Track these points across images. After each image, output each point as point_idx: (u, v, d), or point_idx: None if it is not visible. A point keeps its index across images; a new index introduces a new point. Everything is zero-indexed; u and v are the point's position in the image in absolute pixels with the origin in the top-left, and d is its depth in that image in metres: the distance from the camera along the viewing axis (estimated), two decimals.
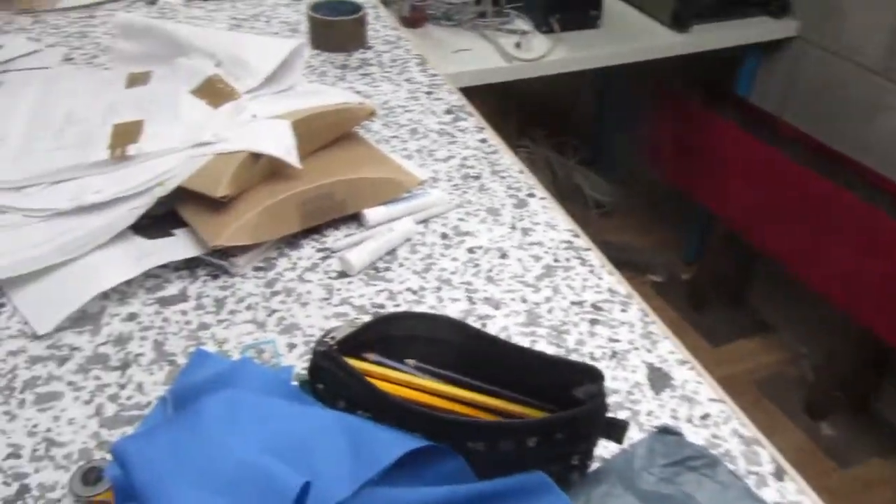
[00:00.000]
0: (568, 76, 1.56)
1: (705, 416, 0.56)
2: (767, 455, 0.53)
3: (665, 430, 0.53)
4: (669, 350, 0.61)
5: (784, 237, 1.67)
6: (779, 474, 0.52)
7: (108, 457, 0.51)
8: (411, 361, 0.51)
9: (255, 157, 0.69)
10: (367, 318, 0.63)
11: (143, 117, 0.74)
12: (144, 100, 0.77)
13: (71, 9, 1.13)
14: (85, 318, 0.62)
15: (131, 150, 0.69)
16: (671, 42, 1.60)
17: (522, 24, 1.59)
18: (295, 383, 0.51)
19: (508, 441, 0.45)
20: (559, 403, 0.48)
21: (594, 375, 0.46)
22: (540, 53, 1.50)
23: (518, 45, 1.52)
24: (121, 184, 0.67)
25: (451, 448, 0.45)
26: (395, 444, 0.44)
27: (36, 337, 0.60)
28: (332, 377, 0.47)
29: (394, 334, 0.50)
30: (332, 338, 0.48)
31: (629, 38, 1.59)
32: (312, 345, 0.58)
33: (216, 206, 0.67)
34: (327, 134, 0.76)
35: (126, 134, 0.72)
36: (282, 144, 0.69)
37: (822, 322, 1.72)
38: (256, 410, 0.43)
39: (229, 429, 0.40)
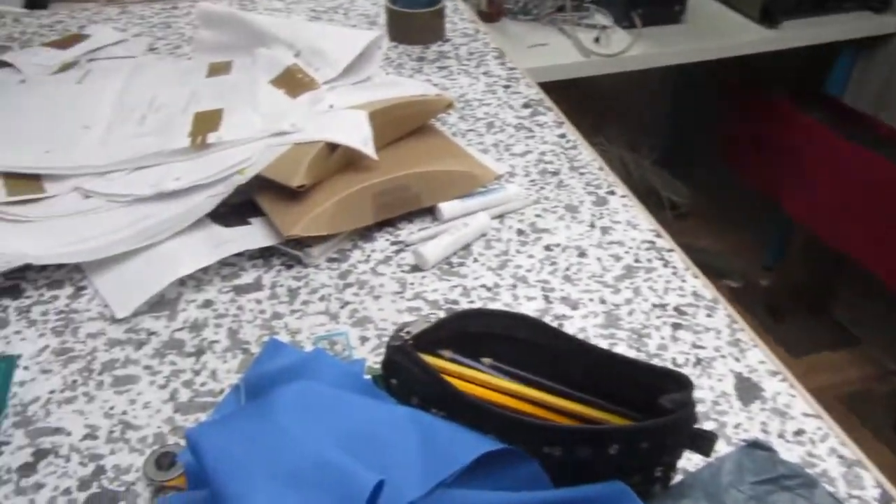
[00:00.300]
0: (647, 73, 1.51)
1: (799, 433, 0.52)
2: (871, 479, 0.49)
3: (756, 445, 0.49)
4: (760, 360, 0.58)
5: (875, 244, 1.58)
6: (885, 500, 0.48)
7: (182, 442, 0.51)
8: (487, 360, 0.50)
9: (332, 147, 0.68)
10: (441, 314, 0.62)
11: (223, 106, 0.74)
12: (225, 89, 0.78)
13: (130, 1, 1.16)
14: (162, 303, 0.63)
15: (211, 138, 0.70)
16: (759, 38, 1.53)
17: (602, 18, 1.56)
18: (367, 377, 0.50)
19: (587, 447, 0.43)
20: (642, 411, 0.46)
21: (682, 383, 0.44)
22: (619, 49, 1.45)
23: (597, 40, 1.48)
24: (200, 171, 0.68)
25: (525, 452, 0.43)
26: (470, 444, 0.42)
27: (115, 320, 0.61)
28: (406, 373, 0.45)
29: (470, 331, 0.49)
30: (408, 332, 0.46)
31: (714, 34, 1.53)
32: (386, 339, 0.57)
33: (292, 195, 0.66)
34: (404, 125, 0.75)
35: (206, 122, 0.72)
36: (358, 135, 0.68)
37: None
38: (330, 403, 0.42)
39: (302, 421, 0.39)
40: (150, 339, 0.59)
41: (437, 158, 0.73)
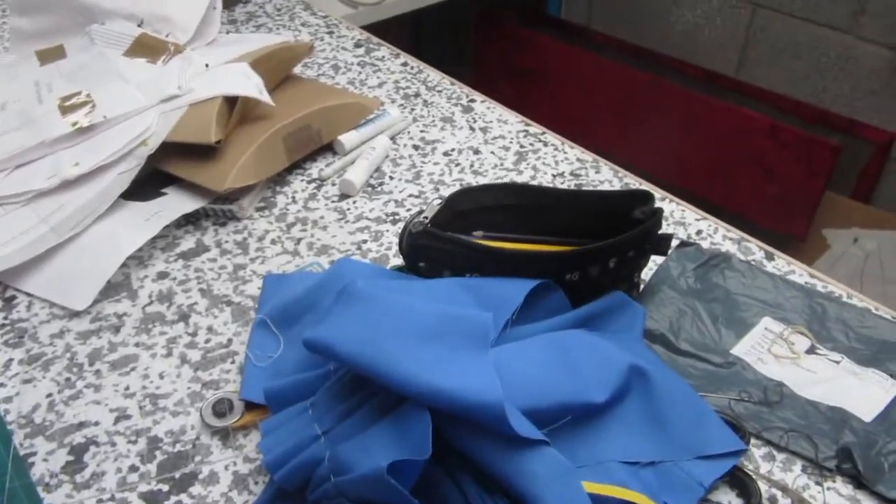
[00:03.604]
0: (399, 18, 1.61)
1: (699, 232, 0.67)
2: (755, 245, 0.65)
3: (684, 244, 0.63)
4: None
5: (619, 134, 1.87)
6: (769, 256, 0.64)
7: (226, 390, 0.52)
8: (478, 233, 0.57)
9: (229, 101, 0.69)
10: (386, 227, 0.67)
11: (84, 87, 0.70)
12: (73, 71, 0.73)
13: None
14: (112, 287, 0.60)
15: (96, 117, 0.66)
16: None
17: None
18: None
19: (596, 266, 0.53)
20: (615, 232, 0.56)
21: (646, 197, 0.55)
22: None
23: None
24: (98, 152, 0.64)
25: (553, 282, 0.52)
26: (515, 287, 0.50)
27: (73, 315, 0.57)
28: (435, 251, 0.51)
29: (461, 209, 0.55)
30: (425, 218, 0.52)
31: None
32: (348, 257, 0.61)
33: (206, 155, 0.66)
34: (279, 72, 0.77)
35: (77, 105, 0.68)
36: (251, 84, 0.70)
37: None
38: (395, 285, 0.47)
39: (393, 296, 0.44)
40: (124, 320, 0.57)
41: (323, 97, 0.76)
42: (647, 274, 0.61)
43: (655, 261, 0.61)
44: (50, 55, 0.76)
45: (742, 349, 0.54)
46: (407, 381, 0.39)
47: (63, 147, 0.65)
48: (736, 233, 0.67)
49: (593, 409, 0.45)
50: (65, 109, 0.68)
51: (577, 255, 0.52)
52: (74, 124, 0.66)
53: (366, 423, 0.42)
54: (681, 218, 0.69)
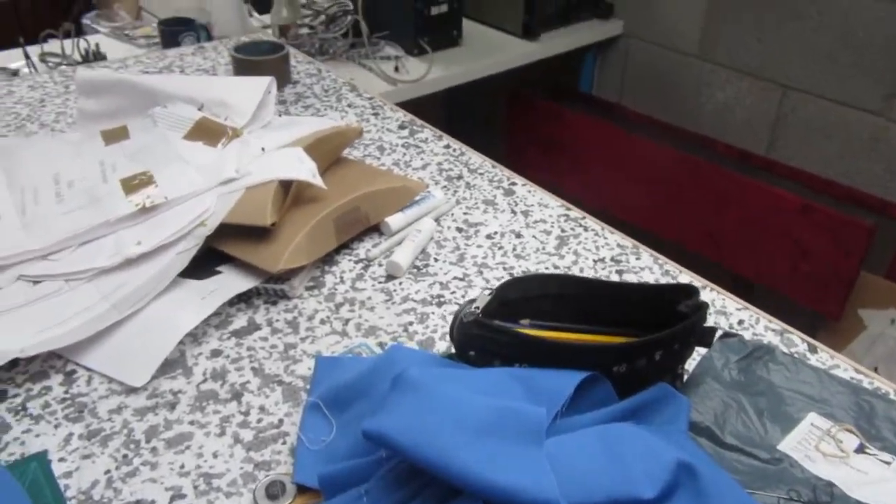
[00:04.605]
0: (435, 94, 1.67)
1: (740, 322, 0.68)
2: (797, 337, 0.66)
3: (727, 335, 0.64)
4: (690, 280, 0.73)
5: (648, 206, 1.89)
6: (812, 348, 0.65)
7: (277, 471, 0.53)
8: (525, 321, 0.59)
9: (283, 184, 0.72)
10: (432, 310, 0.68)
11: (147, 168, 0.74)
12: (136, 152, 0.77)
13: None
14: (167, 364, 0.62)
15: (157, 199, 0.69)
16: (525, 51, 1.77)
17: (392, 50, 1.69)
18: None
19: (643, 358, 0.54)
20: (649, 329, 0.58)
21: (691, 290, 0.56)
22: (420, 74, 1.60)
23: (396, 69, 1.62)
24: (159, 232, 0.67)
25: (601, 374, 0.53)
26: (564, 379, 0.51)
27: (130, 391, 0.59)
28: (486, 341, 0.53)
29: (510, 298, 0.57)
30: (476, 308, 0.53)
31: (491, 51, 1.74)
32: (396, 340, 0.63)
33: (260, 236, 0.69)
34: (330, 156, 0.80)
35: (138, 185, 0.71)
36: (305, 169, 0.73)
37: None
38: (448, 375, 0.48)
39: (447, 387, 0.45)
40: (179, 397, 0.59)
41: (370, 180, 0.79)
42: (689, 364, 0.61)
43: (698, 351, 0.62)
44: (114, 135, 0.80)
45: (788, 445, 0.54)
46: (462, 475, 0.40)
47: (125, 226, 0.69)
48: (778, 324, 0.68)
49: None
50: (128, 189, 0.71)
51: (626, 348, 0.53)
52: (137, 204, 0.69)
53: None
54: (721, 307, 0.70)
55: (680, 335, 0.55)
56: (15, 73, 1.34)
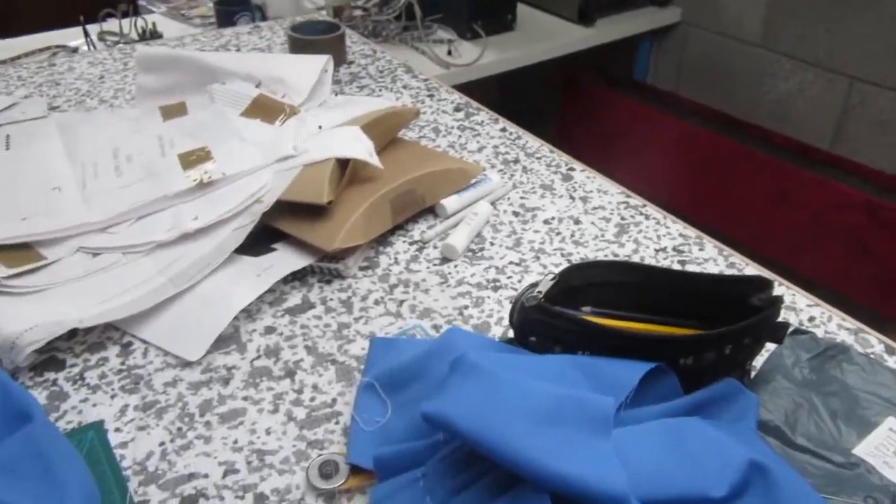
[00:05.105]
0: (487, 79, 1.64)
1: (811, 319, 0.65)
2: (874, 338, 0.63)
3: (798, 331, 0.61)
4: (757, 273, 0.70)
5: (690, 193, 1.84)
6: (890, 350, 0.61)
7: (330, 451, 0.52)
8: (587, 308, 0.57)
9: (340, 163, 0.71)
10: (487, 294, 0.67)
11: (204, 144, 0.74)
12: (194, 128, 0.77)
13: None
14: (221, 339, 0.62)
15: (215, 174, 0.69)
16: (581, 36, 1.74)
17: (444, 33, 1.67)
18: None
19: (712, 351, 0.51)
20: (728, 318, 0.55)
21: (765, 283, 0.54)
22: (473, 58, 1.58)
23: (449, 53, 1.60)
24: (216, 207, 0.67)
25: (667, 366, 0.51)
26: (629, 370, 0.49)
27: (185, 365, 0.59)
28: (547, 326, 0.51)
29: (572, 284, 0.55)
30: (539, 292, 0.52)
31: (544, 37, 1.71)
32: (451, 324, 0.62)
33: (316, 214, 0.68)
34: (387, 135, 0.79)
35: (196, 161, 0.71)
36: (362, 148, 0.72)
37: None
38: (508, 361, 0.47)
39: (509, 372, 0.44)
40: (233, 373, 0.59)
41: (427, 161, 0.78)
42: (757, 361, 0.59)
43: (767, 347, 0.59)
44: (173, 111, 0.80)
45: (865, 450, 0.51)
46: (526, 464, 0.39)
47: (183, 201, 0.68)
48: (852, 322, 0.65)
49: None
50: (186, 164, 0.71)
51: (696, 340, 0.51)
52: (195, 180, 0.69)
53: (481, 500, 0.41)
54: (791, 303, 0.67)
55: (752, 329, 0.52)
56: (74, 50, 1.36)
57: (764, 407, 0.54)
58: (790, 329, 0.62)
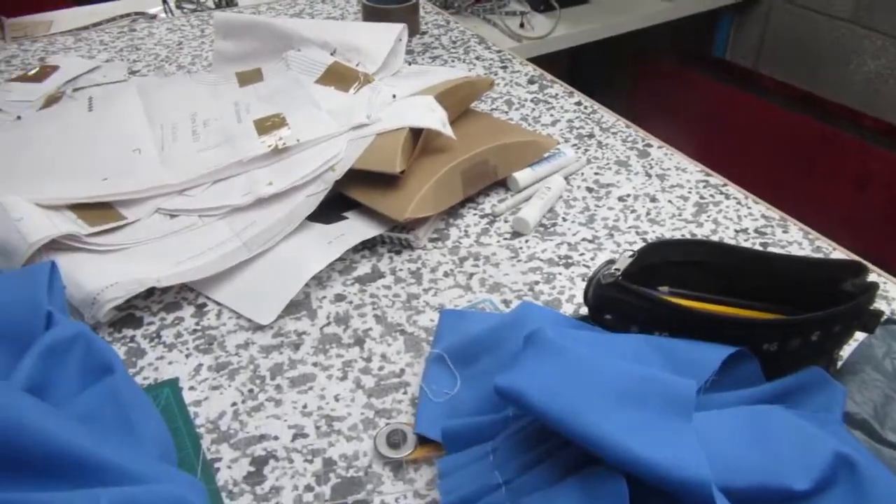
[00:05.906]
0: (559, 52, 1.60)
1: None
2: None
3: (889, 321, 0.58)
4: (843, 258, 0.67)
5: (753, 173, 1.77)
6: None
7: (398, 420, 0.52)
8: (664, 288, 0.55)
9: (413, 132, 0.70)
10: (559, 270, 0.65)
11: (280, 110, 0.74)
12: (270, 94, 0.77)
13: (75, 30, 1.11)
14: (292, 305, 0.62)
15: (290, 141, 0.69)
16: (658, 9, 1.68)
17: (518, 5, 1.64)
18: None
19: (797, 338, 0.49)
20: (813, 303, 0.52)
21: (860, 268, 0.51)
22: (546, 31, 1.54)
23: (522, 26, 1.57)
24: (290, 174, 0.67)
25: (749, 351, 0.48)
26: (710, 353, 0.47)
27: (257, 328, 0.60)
28: (623, 305, 0.49)
29: (651, 262, 0.53)
30: (616, 269, 0.50)
31: (620, 10, 1.66)
32: (521, 299, 0.60)
33: (388, 184, 0.68)
34: (460, 106, 0.78)
35: (271, 127, 0.72)
36: (436, 118, 0.71)
37: None
38: (585, 338, 0.46)
39: (586, 349, 0.42)
40: (303, 338, 0.59)
41: (500, 133, 0.76)
42: (845, 350, 0.56)
43: (856, 337, 0.56)
44: (249, 77, 0.81)
45: None
46: (604, 444, 0.38)
47: (258, 166, 0.69)
48: None
49: (793, 497, 0.42)
50: (261, 130, 0.72)
51: (781, 325, 0.48)
52: (270, 146, 0.69)
53: (551, 478, 0.40)
54: (883, 290, 0.63)
55: (843, 316, 0.49)
56: (153, 17, 1.39)
57: (851, 399, 0.51)
58: (883, 318, 0.59)
